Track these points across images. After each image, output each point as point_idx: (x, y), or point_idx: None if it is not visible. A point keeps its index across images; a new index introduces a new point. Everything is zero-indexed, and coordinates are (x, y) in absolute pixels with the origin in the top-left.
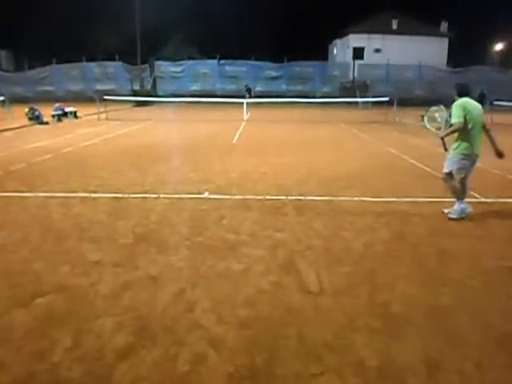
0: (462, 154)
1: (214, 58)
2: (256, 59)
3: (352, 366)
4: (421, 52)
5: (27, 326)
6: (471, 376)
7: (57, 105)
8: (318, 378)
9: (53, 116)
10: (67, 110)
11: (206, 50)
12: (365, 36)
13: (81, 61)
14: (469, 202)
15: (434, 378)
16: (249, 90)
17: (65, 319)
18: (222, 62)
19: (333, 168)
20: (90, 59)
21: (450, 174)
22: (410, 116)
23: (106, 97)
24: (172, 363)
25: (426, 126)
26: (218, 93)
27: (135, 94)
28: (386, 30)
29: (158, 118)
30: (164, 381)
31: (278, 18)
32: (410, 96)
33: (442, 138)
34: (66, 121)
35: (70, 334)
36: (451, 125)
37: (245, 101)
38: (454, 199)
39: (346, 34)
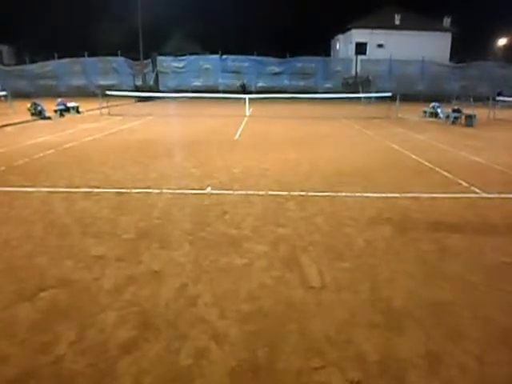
0: None
1: (216, 53)
2: (258, 54)
3: (353, 360)
4: (424, 47)
5: (31, 319)
6: (472, 370)
7: (59, 100)
8: (319, 372)
9: (55, 111)
10: (69, 105)
11: (209, 45)
12: (367, 31)
13: (83, 56)
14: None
15: (434, 372)
16: (243, 87)
17: (68, 313)
18: (225, 57)
19: (335, 164)
20: (93, 54)
21: None
22: (412, 111)
23: (108, 92)
24: (175, 357)
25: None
26: (221, 88)
27: (137, 89)
28: (389, 26)
29: (161, 113)
30: (167, 374)
31: (280, 13)
32: (413, 91)
33: None
34: (68, 116)
35: (73, 328)
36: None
37: (247, 96)
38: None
39: (348, 29)
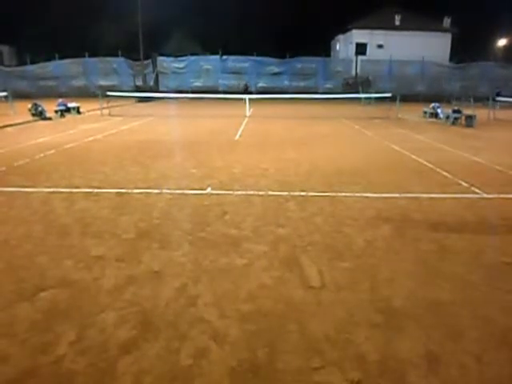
0: None
1: (216, 53)
2: (258, 55)
3: (353, 360)
4: (424, 48)
5: (31, 319)
6: (471, 370)
7: (60, 100)
8: (319, 372)
9: (56, 112)
10: (70, 105)
11: (209, 46)
12: (367, 32)
13: (83, 56)
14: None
15: (434, 372)
16: (246, 87)
17: (68, 313)
18: (225, 57)
19: (335, 164)
20: (93, 55)
21: None
22: (412, 112)
23: (108, 92)
24: (175, 357)
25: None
26: (221, 89)
27: (138, 89)
28: (389, 26)
29: (161, 113)
30: (167, 374)
31: (280, 14)
32: (413, 92)
33: None
34: (68, 116)
35: (73, 328)
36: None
37: (247, 97)
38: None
39: (348, 30)
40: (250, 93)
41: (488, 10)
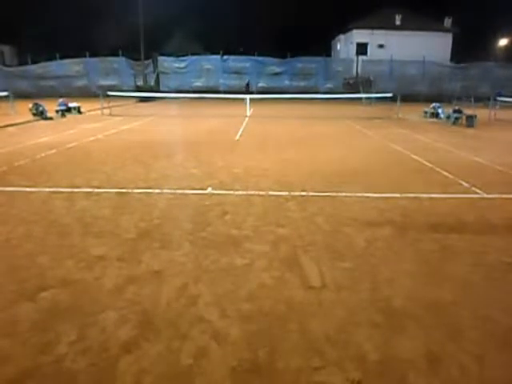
0: None
1: (217, 53)
2: (259, 55)
3: (353, 360)
4: (424, 48)
5: (32, 319)
6: (472, 370)
7: (60, 100)
8: (319, 372)
9: (57, 111)
10: (71, 105)
11: (210, 46)
12: (368, 31)
13: (84, 56)
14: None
15: (434, 372)
16: (247, 85)
17: (69, 313)
18: (225, 57)
19: (336, 164)
20: (94, 55)
21: None
22: (413, 112)
23: (109, 92)
24: (175, 356)
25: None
26: (222, 88)
27: (138, 89)
28: (390, 26)
29: (162, 113)
30: (167, 374)
31: (280, 13)
32: (414, 92)
33: None
34: (69, 116)
35: (74, 328)
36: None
37: (248, 97)
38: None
39: (349, 30)
40: (251, 93)
41: (489, 10)
